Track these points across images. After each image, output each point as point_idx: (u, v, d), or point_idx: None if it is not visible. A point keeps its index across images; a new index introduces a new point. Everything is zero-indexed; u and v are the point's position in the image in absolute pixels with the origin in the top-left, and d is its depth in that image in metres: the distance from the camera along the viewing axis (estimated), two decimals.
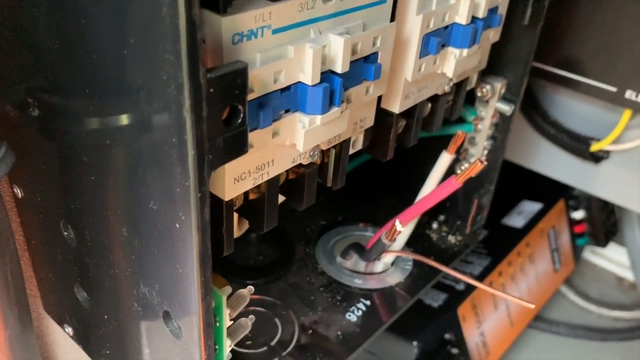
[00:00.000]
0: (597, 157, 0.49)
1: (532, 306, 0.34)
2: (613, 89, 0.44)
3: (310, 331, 0.35)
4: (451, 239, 0.43)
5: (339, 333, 0.35)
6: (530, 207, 0.66)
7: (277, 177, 0.25)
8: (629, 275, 0.80)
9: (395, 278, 0.40)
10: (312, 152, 0.25)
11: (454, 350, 0.54)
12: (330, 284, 0.39)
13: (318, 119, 0.23)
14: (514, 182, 0.65)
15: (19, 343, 0.32)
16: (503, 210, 0.66)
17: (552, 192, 0.67)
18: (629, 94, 0.43)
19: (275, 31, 0.20)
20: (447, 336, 0.56)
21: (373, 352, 0.59)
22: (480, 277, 0.58)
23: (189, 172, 0.18)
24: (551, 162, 0.54)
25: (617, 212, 0.73)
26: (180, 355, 0.24)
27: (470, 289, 0.57)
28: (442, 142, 0.37)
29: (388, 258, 0.40)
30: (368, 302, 0.38)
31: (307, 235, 0.43)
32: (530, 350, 0.72)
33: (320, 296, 0.38)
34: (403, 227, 0.33)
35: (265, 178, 0.24)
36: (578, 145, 0.49)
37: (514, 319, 0.62)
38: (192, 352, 0.23)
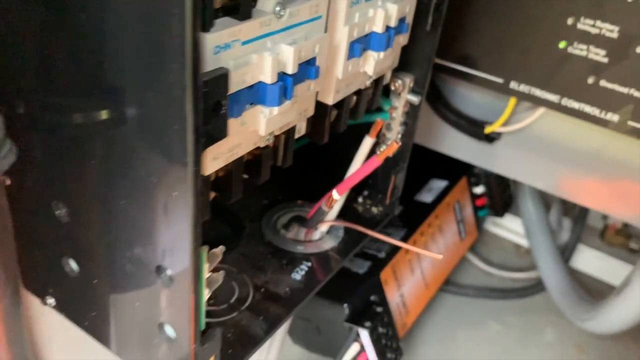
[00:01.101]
0: (491, 138, 0.58)
1: (440, 256, 0.42)
2: (500, 80, 0.53)
3: (263, 289, 0.42)
4: (374, 210, 0.51)
5: (287, 289, 0.42)
6: (438, 185, 0.75)
7: (242, 157, 0.31)
8: (524, 242, 0.92)
9: (330, 244, 0.47)
10: (268, 137, 0.32)
11: (379, 309, 0.62)
12: (277, 251, 0.45)
13: (275, 109, 0.29)
14: (424, 163, 0.73)
15: (11, 315, 0.37)
16: (415, 188, 0.75)
17: (455, 170, 0.77)
18: (513, 85, 0.52)
19: (243, 43, 0.27)
20: (372, 298, 0.64)
21: (309, 319, 0.66)
22: (398, 246, 0.67)
23: (187, 152, 0.24)
24: (454, 144, 0.63)
25: (512, 186, 0.84)
26: (169, 302, 0.30)
27: (390, 256, 0.66)
28: (364, 130, 0.44)
29: (324, 227, 0.47)
30: (309, 264, 0.45)
31: (252, 213, 0.49)
32: (444, 311, 0.82)
33: (269, 262, 0.44)
34: (339, 196, 0.40)
35: (234, 157, 0.30)
36: (474, 128, 0.59)
37: (429, 282, 0.72)
38: (181, 297, 0.29)
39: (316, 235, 0.47)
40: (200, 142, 0.25)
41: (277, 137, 0.34)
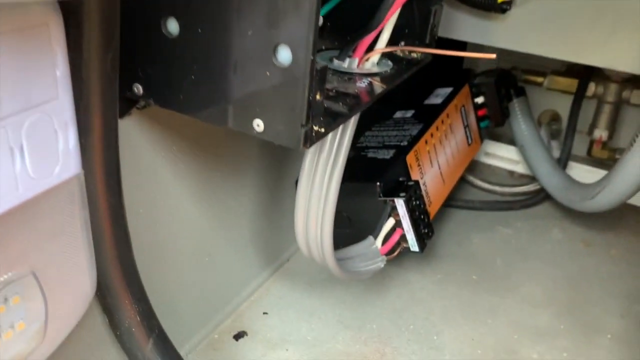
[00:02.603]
0: (503, 9, 0.63)
1: (494, 56, 0.46)
2: None
3: (335, 91, 0.44)
4: (414, 55, 0.54)
5: (356, 90, 0.44)
6: (444, 91, 0.79)
7: None
8: (516, 168, 0.97)
9: (383, 69, 0.49)
10: None
11: (410, 183, 0.64)
12: (336, 72, 0.47)
13: None
14: (430, 75, 0.77)
15: None
16: (424, 95, 0.79)
17: (458, 80, 0.81)
18: None
19: None
20: (401, 179, 0.66)
21: (338, 211, 0.68)
22: (418, 136, 0.70)
23: None
24: (465, 28, 0.67)
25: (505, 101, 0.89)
26: (287, 16, 0.32)
27: (412, 144, 0.68)
28: None
29: (374, 58, 0.50)
30: (369, 79, 0.47)
31: None
32: (456, 222, 0.84)
33: (331, 78, 0.46)
34: None
35: None
36: (488, 1, 0.63)
37: (445, 177, 0.74)
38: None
39: (367, 65, 0.50)
40: None
41: None
